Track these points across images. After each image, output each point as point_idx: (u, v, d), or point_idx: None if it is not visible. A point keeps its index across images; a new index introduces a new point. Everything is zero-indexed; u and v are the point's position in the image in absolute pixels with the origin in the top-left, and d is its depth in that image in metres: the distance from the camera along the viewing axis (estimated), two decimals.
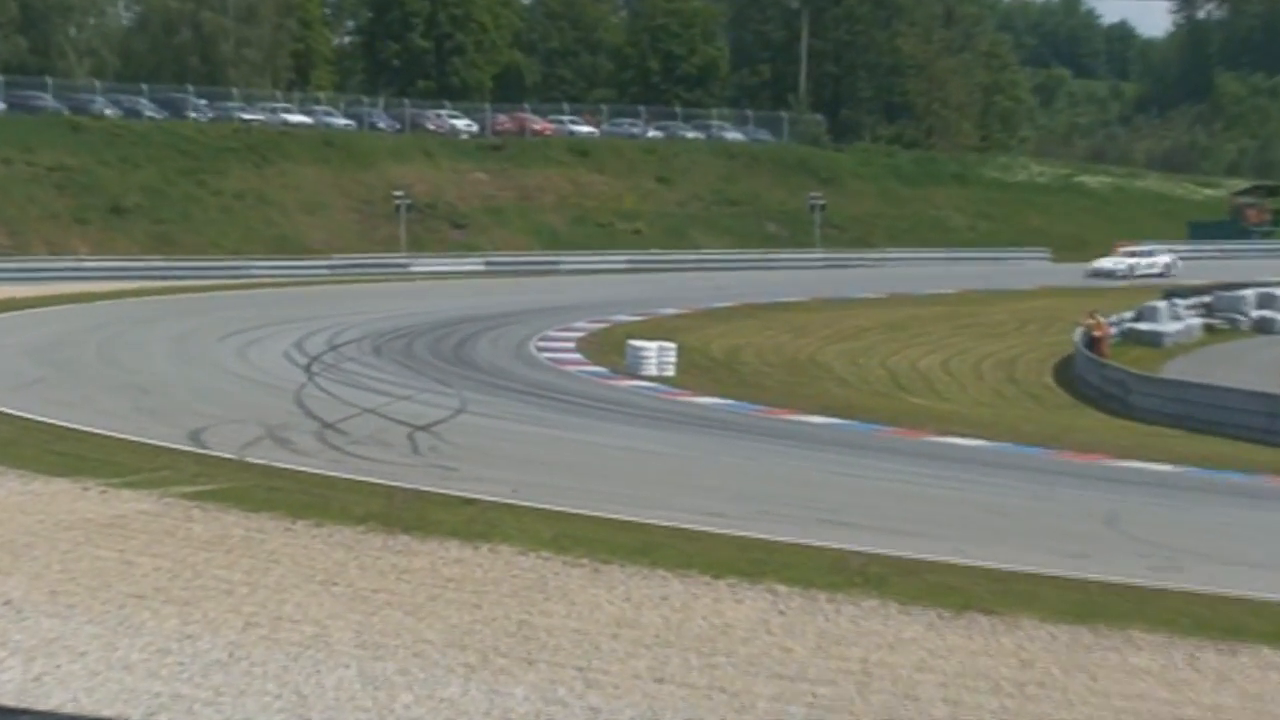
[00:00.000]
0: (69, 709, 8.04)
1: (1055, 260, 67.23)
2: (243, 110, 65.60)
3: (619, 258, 62.31)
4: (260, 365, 27.04)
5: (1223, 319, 41.79)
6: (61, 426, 18.62)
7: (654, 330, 33.45)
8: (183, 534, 12.55)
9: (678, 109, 78.15)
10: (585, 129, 73.93)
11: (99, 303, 40.30)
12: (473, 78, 79.94)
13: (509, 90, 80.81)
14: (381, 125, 69.68)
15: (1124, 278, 56.71)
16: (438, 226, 63.38)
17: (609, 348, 31.34)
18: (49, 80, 62.63)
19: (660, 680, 8.96)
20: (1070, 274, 57.06)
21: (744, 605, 10.72)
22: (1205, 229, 72.74)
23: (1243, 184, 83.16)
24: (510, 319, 37.51)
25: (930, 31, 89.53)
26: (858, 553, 12.44)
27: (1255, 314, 41.91)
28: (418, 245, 60.79)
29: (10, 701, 7.93)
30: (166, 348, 29.98)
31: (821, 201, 68.80)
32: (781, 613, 10.57)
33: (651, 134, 75.36)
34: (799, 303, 45.70)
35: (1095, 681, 9.30)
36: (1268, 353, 36.14)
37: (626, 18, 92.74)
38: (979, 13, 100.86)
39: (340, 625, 9.86)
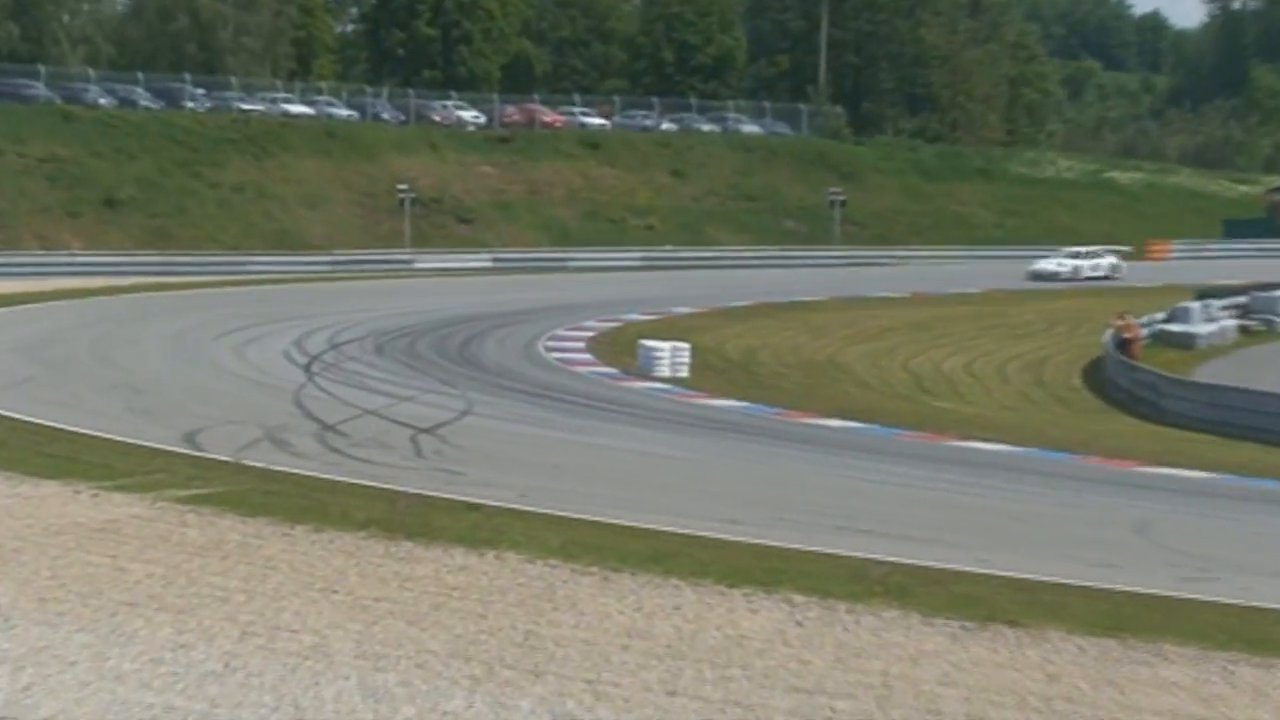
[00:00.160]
0: None
1: None
2: (242, 100, 65.08)
3: (631, 254, 61.85)
4: (259, 365, 27.15)
5: (1259, 320, 41.54)
6: (52, 427, 18.64)
7: (667, 330, 33.45)
8: (177, 539, 12.54)
9: (693, 101, 77.52)
10: (597, 121, 73.43)
11: (91, 299, 40.27)
12: (480, 67, 79.38)
13: (518, 81, 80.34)
14: (385, 116, 69.20)
15: (1068, 280, 55.92)
16: (443, 221, 62.98)
17: (620, 348, 31.44)
18: (41, 68, 62.04)
19: (672, 693, 8.87)
20: None
21: (760, 616, 10.67)
22: (1241, 227, 72.43)
23: (1279, 181, 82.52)
24: (518, 318, 37.58)
25: (955, 21, 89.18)
26: (878, 561, 12.39)
27: None
28: (422, 241, 60.41)
29: None
30: (161, 346, 30.00)
31: (841, 197, 68.38)
32: (799, 624, 10.51)
33: (665, 126, 75.02)
34: (818, 302, 45.74)
35: (1125, 696, 9.17)
36: None
37: (640, 6, 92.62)
38: (1006, 2, 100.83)
39: (340, 635, 9.81)
